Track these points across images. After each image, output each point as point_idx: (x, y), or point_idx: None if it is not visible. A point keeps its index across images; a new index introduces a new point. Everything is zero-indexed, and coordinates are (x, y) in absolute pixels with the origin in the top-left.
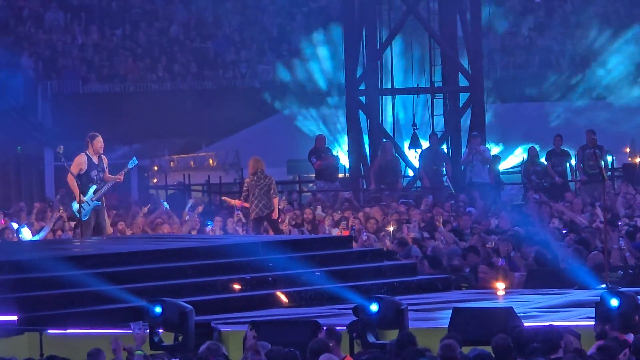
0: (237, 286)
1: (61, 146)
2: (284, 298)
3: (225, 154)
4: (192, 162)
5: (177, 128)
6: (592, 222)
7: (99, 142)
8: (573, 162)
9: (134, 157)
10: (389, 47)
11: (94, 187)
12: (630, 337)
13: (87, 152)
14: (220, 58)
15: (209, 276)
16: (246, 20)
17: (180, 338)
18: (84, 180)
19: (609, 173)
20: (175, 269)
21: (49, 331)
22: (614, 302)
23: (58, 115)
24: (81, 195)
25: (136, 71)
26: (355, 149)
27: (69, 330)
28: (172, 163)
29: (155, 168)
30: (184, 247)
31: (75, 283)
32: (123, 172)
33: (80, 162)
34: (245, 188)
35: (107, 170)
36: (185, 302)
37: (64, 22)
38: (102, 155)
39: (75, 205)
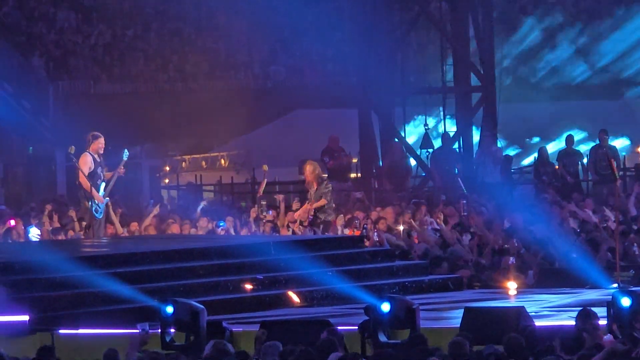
0: (249, 286)
1: (72, 147)
2: (295, 298)
3: (237, 154)
4: (203, 162)
5: (189, 128)
6: (604, 222)
7: (100, 143)
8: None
9: (125, 150)
10: (401, 47)
11: (103, 183)
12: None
13: (88, 151)
14: (232, 59)
15: (220, 276)
16: (257, 20)
17: (191, 338)
18: (94, 179)
19: (621, 173)
20: (187, 269)
21: (61, 331)
22: (626, 302)
23: (69, 115)
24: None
25: (147, 71)
26: (367, 149)
27: (80, 331)
28: (183, 163)
29: (167, 168)
30: (195, 247)
31: (86, 283)
32: (122, 165)
33: (87, 162)
34: (326, 192)
35: (105, 167)
36: (197, 302)
37: (75, 23)
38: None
39: (93, 205)
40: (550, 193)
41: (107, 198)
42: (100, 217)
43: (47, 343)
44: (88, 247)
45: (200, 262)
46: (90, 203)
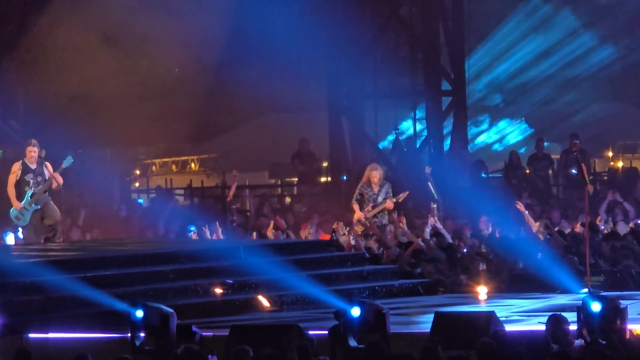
0: (219, 290)
1: (43, 150)
2: (265, 302)
3: (208, 158)
4: (174, 166)
5: (159, 132)
6: (573, 226)
7: (29, 150)
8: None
9: (69, 156)
10: (372, 51)
11: (31, 191)
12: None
13: (24, 158)
14: (202, 62)
15: (190, 280)
16: (227, 24)
17: (161, 342)
18: (21, 186)
19: (591, 177)
20: (156, 272)
21: (31, 335)
22: (596, 307)
23: (40, 119)
24: (17, 201)
25: (118, 74)
26: (337, 153)
27: (50, 335)
28: (153, 167)
29: (137, 172)
30: (165, 251)
31: (56, 287)
32: (57, 173)
33: (14, 170)
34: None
35: (48, 174)
36: (167, 306)
37: (46, 25)
38: (46, 163)
39: (14, 212)
40: (523, 197)
41: (35, 205)
42: (24, 224)
43: (17, 347)
44: (57, 251)
45: (170, 266)
46: (13, 211)
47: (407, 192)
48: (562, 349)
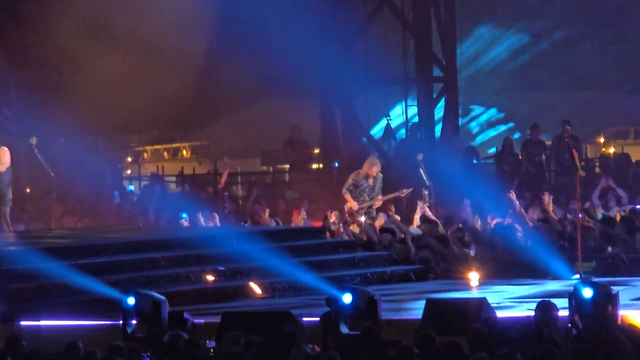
0: (210, 277)
1: (34, 138)
2: (257, 289)
3: (199, 145)
4: (165, 153)
5: (152, 119)
6: (565, 212)
7: None
8: None
9: None
10: (363, 37)
11: None
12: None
13: None
14: (194, 49)
15: (182, 267)
16: (219, 10)
17: (153, 329)
18: None
19: (583, 163)
20: (148, 260)
21: (23, 323)
22: (588, 293)
23: (32, 106)
24: None
25: (111, 62)
26: (328, 140)
27: (42, 322)
28: (145, 154)
29: (129, 159)
30: (157, 239)
31: (48, 275)
32: None
33: None
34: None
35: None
36: (159, 293)
37: (37, 12)
38: (3, 149)
39: None
40: (514, 184)
41: None
42: None
43: (10, 335)
44: (49, 239)
45: (162, 254)
46: None
47: (412, 189)
48: (550, 335)
